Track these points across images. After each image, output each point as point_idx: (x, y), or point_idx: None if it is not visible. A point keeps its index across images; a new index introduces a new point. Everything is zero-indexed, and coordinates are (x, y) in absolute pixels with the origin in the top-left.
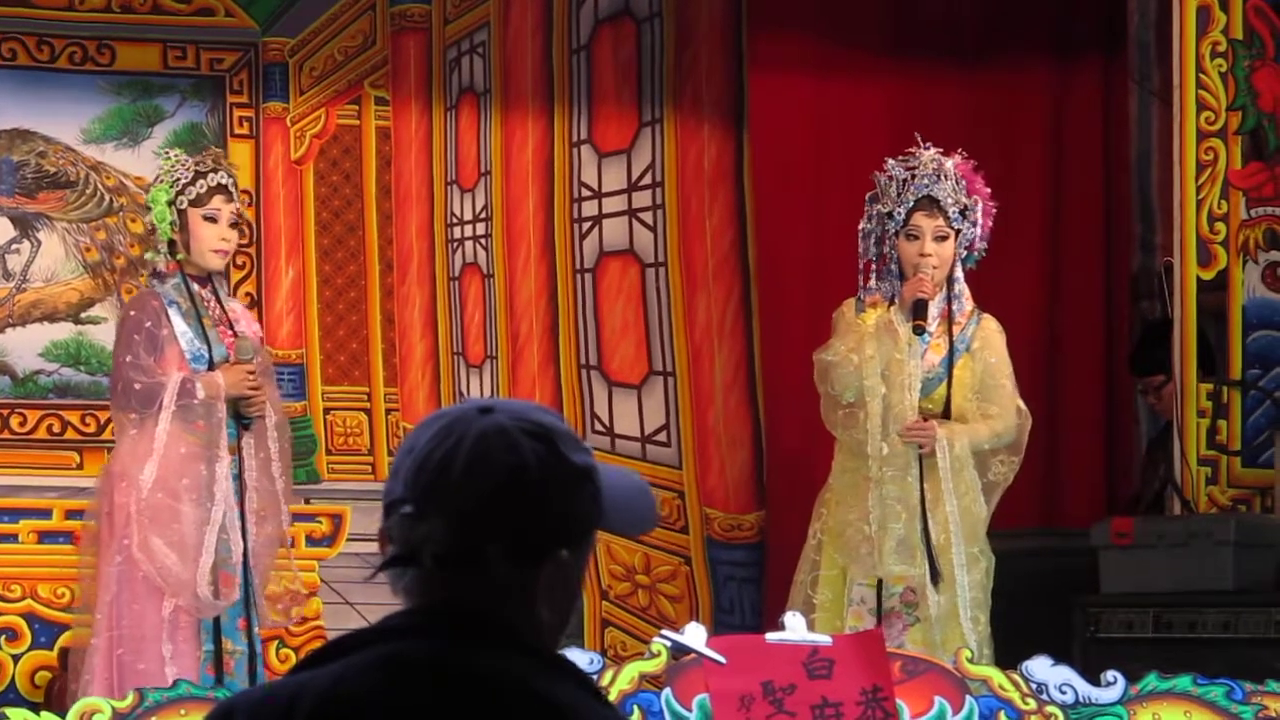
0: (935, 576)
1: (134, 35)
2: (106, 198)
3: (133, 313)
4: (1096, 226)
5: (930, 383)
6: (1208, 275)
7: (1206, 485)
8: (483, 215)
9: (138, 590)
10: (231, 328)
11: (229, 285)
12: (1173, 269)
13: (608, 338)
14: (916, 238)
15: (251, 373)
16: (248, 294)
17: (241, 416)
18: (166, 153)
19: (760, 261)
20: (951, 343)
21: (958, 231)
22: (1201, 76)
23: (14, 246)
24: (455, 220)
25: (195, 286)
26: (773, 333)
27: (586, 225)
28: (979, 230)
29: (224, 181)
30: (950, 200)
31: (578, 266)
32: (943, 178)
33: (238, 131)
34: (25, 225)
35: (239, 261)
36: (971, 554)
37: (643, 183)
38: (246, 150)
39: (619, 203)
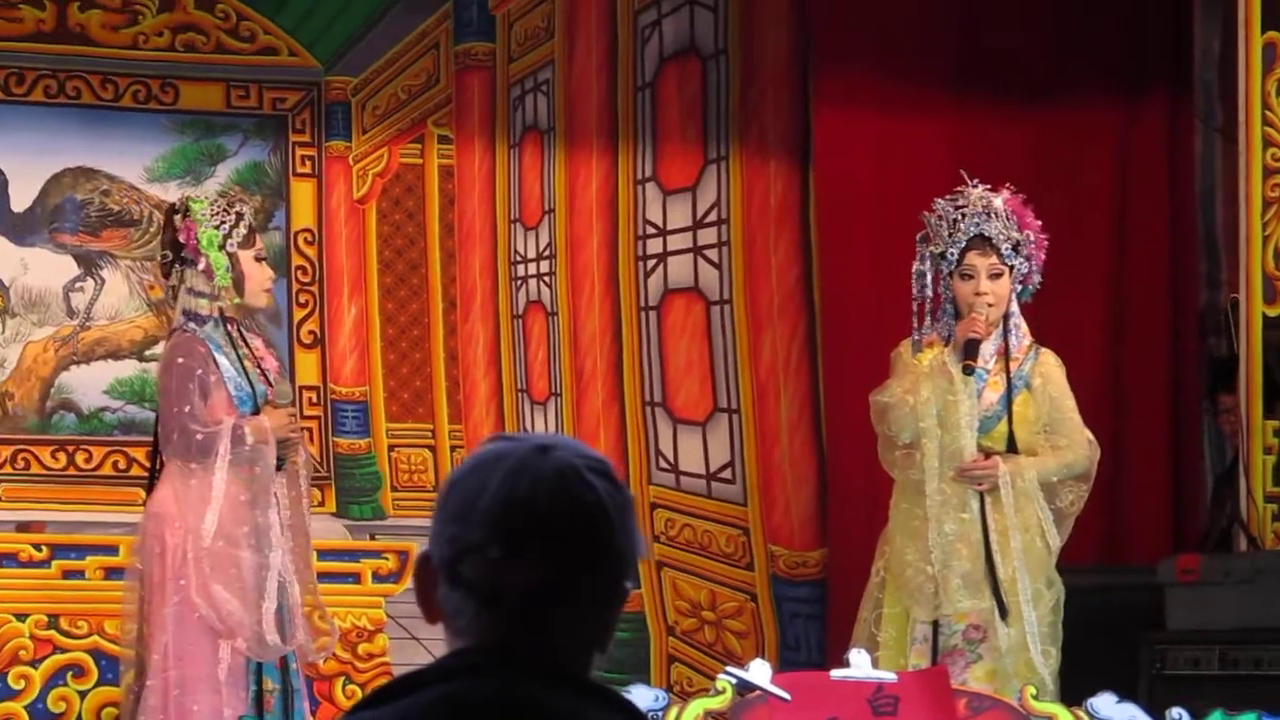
0: (1003, 611)
1: (197, 74)
2: None
3: (180, 359)
4: (1161, 263)
5: (989, 420)
6: (1273, 312)
7: (1273, 522)
8: (547, 253)
9: (194, 633)
10: (260, 367)
11: (293, 324)
12: (1238, 305)
13: (672, 375)
14: (971, 277)
15: (294, 414)
16: (311, 332)
17: (277, 458)
18: (196, 196)
19: (825, 299)
20: (1009, 379)
21: (1011, 268)
22: (1267, 113)
23: (78, 284)
24: (519, 258)
25: (228, 328)
26: (837, 370)
27: (651, 263)
28: (1033, 264)
29: (253, 220)
30: (1002, 237)
31: (642, 304)
32: (993, 215)
33: (300, 170)
34: (89, 263)
35: (302, 300)
36: (1037, 588)
37: (708, 220)
38: (309, 189)
39: (684, 240)
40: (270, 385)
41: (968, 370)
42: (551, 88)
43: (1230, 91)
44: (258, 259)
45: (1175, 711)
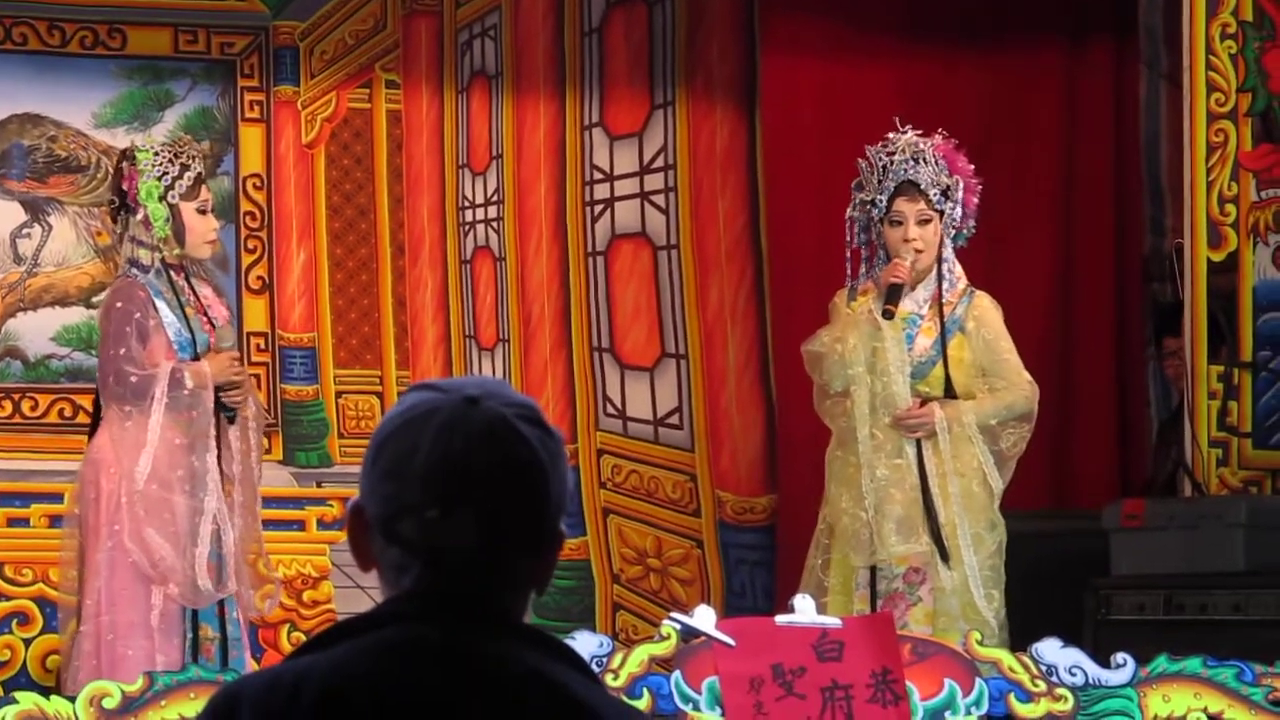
0: (944, 555)
1: (145, 19)
2: None
3: (119, 304)
4: (1107, 209)
5: (924, 365)
6: (1218, 257)
7: (1217, 467)
8: (494, 199)
9: (126, 578)
10: (207, 314)
11: (241, 270)
12: (1183, 251)
13: (620, 321)
14: (900, 223)
15: (236, 358)
16: (259, 278)
17: (224, 407)
18: (143, 146)
19: (771, 244)
20: (943, 323)
21: (941, 213)
22: (1211, 58)
23: (25, 231)
24: (467, 204)
25: (172, 274)
26: (784, 316)
27: (598, 208)
28: (963, 209)
29: (201, 170)
30: (930, 182)
31: (590, 249)
32: (921, 161)
33: (249, 115)
34: (36, 209)
35: (250, 245)
36: (978, 532)
37: (655, 166)
38: (258, 134)
39: (631, 186)
40: (214, 331)
41: (887, 315)
42: (499, 33)
43: (1175, 36)
44: (200, 211)
45: (1120, 656)
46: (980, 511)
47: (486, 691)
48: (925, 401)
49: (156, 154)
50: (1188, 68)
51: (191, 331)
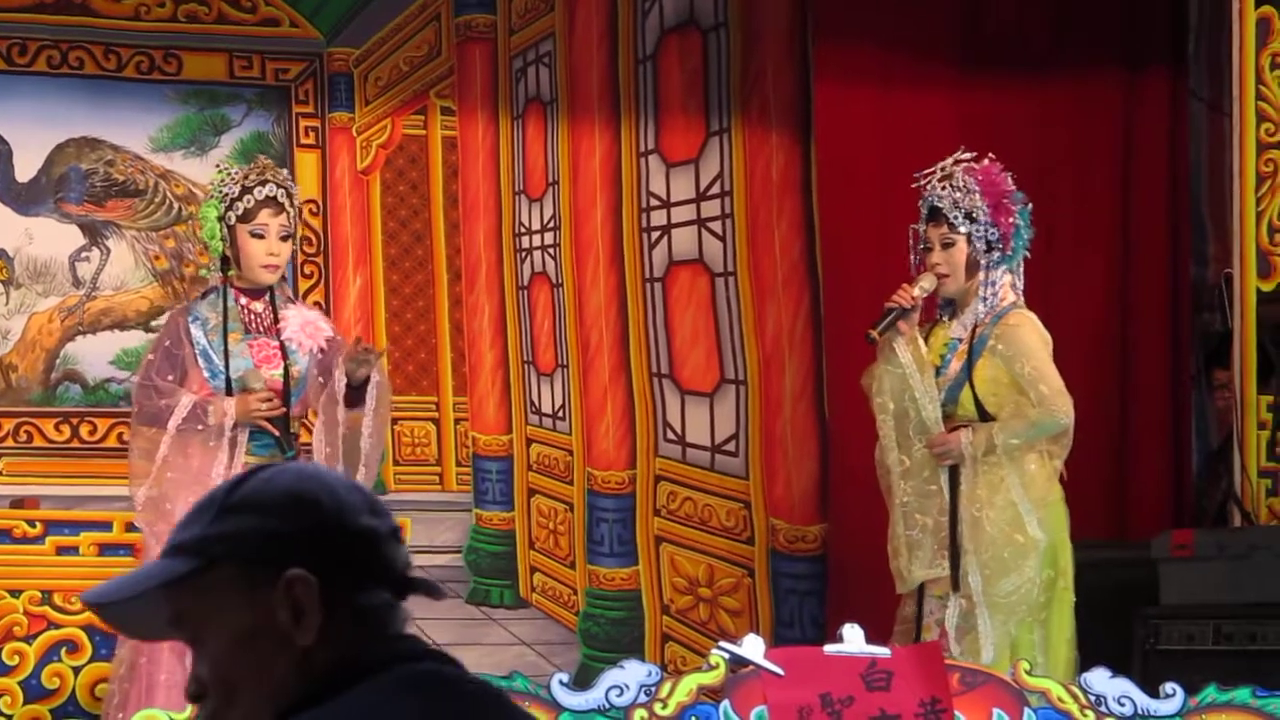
0: (955, 581)
1: (200, 45)
2: (175, 206)
3: (161, 331)
4: (1161, 238)
5: (954, 388)
6: (1268, 287)
7: (1267, 497)
8: (551, 224)
9: None
10: (282, 341)
11: (297, 295)
12: (1232, 280)
13: (678, 346)
14: (929, 249)
15: (266, 399)
16: (316, 303)
17: (283, 446)
18: (220, 166)
19: (827, 272)
20: (971, 344)
21: (968, 236)
22: (1261, 88)
23: (84, 255)
24: (523, 230)
25: (244, 300)
26: (839, 344)
27: (655, 235)
28: (998, 230)
29: (272, 194)
30: (951, 205)
31: (647, 275)
32: (949, 185)
33: (304, 141)
34: (94, 233)
35: (307, 271)
36: (1000, 558)
37: (711, 192)
38: (312, 160)
39: (687, 212)
40: (279, 360)
41: (868, 338)
42: (553, 60)
43: (1217, 64)
44: (255, 235)
45: (1169, 686)
46: (1012, 537)
47: (498, 711)
48: (957, 426)
49: (226, 175)
50: (1237, 97)
51: (227, 361)
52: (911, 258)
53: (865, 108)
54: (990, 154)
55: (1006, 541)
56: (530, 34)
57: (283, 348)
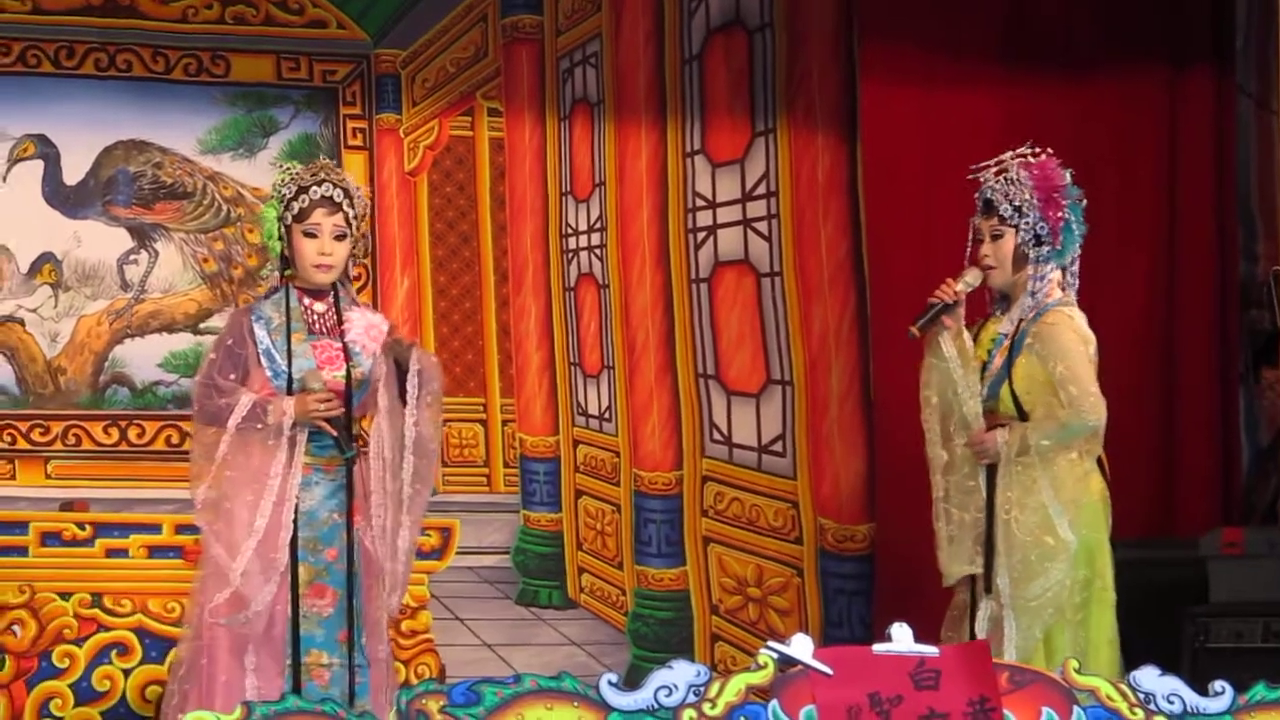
0: (988, 583)
1: (247, 47)
2: (224, 208)
3: (224, 330)
4: (1208, 235)
5: (995, 385)
6: None
7: None
8: (597, 225)
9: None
10: (345, 343)
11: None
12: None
13: (724, 347)
14: (981, 241)
15: (325, 399)
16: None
17: (342, 447)
18: (283, 167)
19: (873, 272)
20: (1013, 341)
21: (1017, 228)
22: None
23: (132, 257)
24: (570, 231)
25: (307, 301)
26: (885, 344)
27: (701, 235)
28: (1040, 222)
29: (328, 194)
30: (999, 197)
31: (693, 276)
32: (1003, 177)
33: (351, 143)
34: (143, 236)
35: (354, 273)
36: (1028, 561)
37: (756, 192)
38: (360, 161)
39: (733, 213)
40: (343, 361)
41: (909, 333)
42: (600, 60)
43: (1265, 61)
44: (307, 234)
45: (1218, 684)
46: (1042, 537)
47: None
48: (996, 424)
49: (286, 175)
50: None
51: (289, 361)
52: (967, 249)
53: (910, 107)
54: (1046, 149)
55: (1035, 544)
56: (577, 35)
57: (346, 349)
